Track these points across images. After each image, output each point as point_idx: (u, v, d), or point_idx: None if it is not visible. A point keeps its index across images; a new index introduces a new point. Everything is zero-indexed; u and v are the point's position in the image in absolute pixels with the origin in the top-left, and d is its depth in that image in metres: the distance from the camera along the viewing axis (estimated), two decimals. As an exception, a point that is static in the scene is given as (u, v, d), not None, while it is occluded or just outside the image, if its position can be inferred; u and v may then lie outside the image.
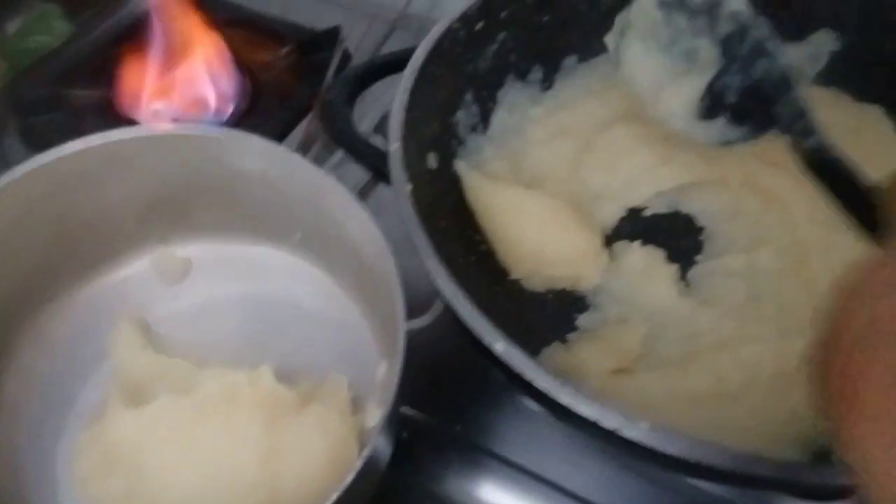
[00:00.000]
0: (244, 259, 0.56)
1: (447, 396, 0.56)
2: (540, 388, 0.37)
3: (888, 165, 0.58)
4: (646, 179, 0.63)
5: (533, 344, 0.52)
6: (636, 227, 0.62)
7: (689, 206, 0.62)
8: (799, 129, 0.49)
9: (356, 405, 0.47)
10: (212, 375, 0.47)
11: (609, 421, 0.35)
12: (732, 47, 0.52)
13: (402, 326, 0.39)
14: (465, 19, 0.57)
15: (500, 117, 0.64)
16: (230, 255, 0.56)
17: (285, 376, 0.47)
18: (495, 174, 0.61)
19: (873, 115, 0.61)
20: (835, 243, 0.55)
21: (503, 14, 0.61)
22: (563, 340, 0.54)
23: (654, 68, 0.55)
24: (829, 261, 0.54)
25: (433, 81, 0.55)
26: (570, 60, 0.67)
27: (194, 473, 0.44)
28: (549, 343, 0.53)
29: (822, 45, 0.64)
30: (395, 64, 0.53)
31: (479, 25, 0.59)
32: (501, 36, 0.62)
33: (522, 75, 0.66)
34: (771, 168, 0.59)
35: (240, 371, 0.47)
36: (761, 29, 0.51)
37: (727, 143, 0.52)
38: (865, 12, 0.61)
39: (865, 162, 0.58)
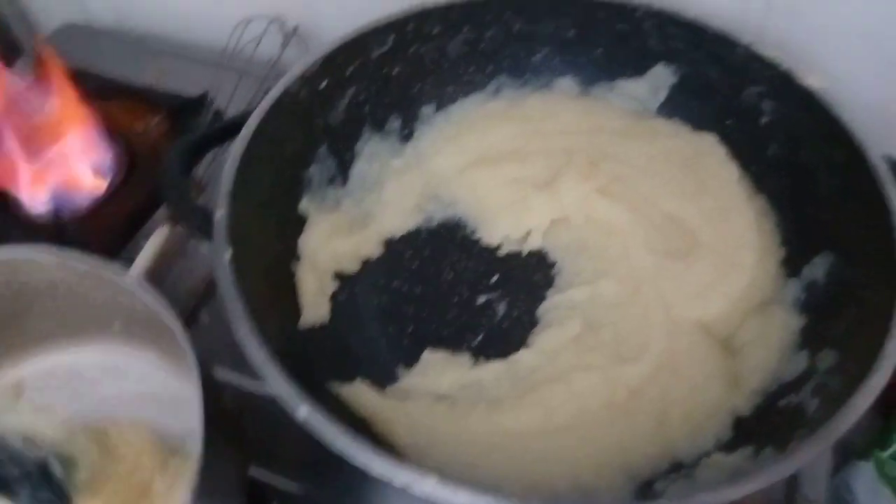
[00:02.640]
0: (75, 360, 0.58)
1: (295, 456, 0.57)
2: (337, 449, 0.38)
3: (723, 185, 0.61)
4: (501, 219, 0.65)
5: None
6: (492, 265, 0.64)
7: (541, 242, 0.64)
8: None
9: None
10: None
11: (399, 479, 0.37)
12: None
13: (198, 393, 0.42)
14: (306, 79, 0.59)
15: (359, 169, 0.66)
16: (61, 362, 0.58)
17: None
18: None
19: (708, 142, 0.64)
20: (665, 270, 0.57)
21: (349, 70, 0.63)
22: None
23: None
24: (660, 287, 0.57)
25: (275, 141, 0.57)
26: (428, 109, 0.70)
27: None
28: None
29: (661, 79, 0.67)
30: (233, 129, 0.55)
31: (324, 84, 0.61)
32: (351, 91, 0.64)
33: (380, 126, 0.68)
34: (609, 201, 0.62)
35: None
36: None
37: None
38: (693, 44, 0.64)
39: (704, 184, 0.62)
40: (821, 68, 0.63)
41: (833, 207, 0.55)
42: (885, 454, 0.57)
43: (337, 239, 0.62)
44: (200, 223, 0.51)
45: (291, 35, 0.87)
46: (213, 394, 0.45)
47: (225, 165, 0.52)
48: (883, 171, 0.51)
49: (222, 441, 0.45)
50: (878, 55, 0.63)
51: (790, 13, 0.63)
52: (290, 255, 0.59)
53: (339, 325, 0.59)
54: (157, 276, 0.62)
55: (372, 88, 0.65)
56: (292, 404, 0.40)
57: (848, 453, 0.61)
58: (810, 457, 0.40)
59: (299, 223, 0.61)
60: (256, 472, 0.56)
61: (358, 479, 0.55)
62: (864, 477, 0.59)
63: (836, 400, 0.43)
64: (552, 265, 0.63)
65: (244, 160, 0.53)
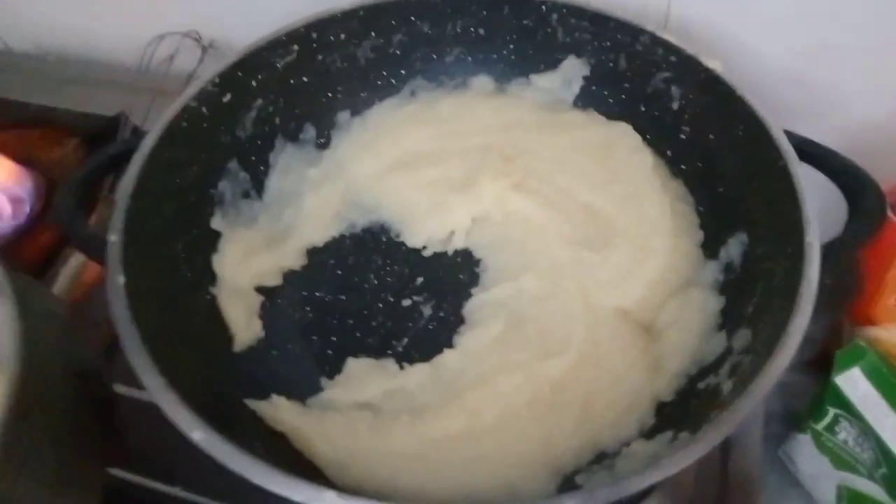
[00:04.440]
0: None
1: (166, 458, 0.55)
2: (234, 470, 0.37)
3: (637, 172, 0.61)
4: (423, 222, 0.64)
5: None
6: (417, 267, 0.63)
7: (465, 241, 0.64)
8: None
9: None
10: None
11: (297, 495, 0.36)
12: None
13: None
14: (206, 96, 0.58)
15: (275, 181, 0.65)
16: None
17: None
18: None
19: (622, 130, 0.64)
20: (583, 260, 0.57)
21: (253, 83, 0.62)
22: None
23: None
24: (580, 278, 0.57)
25: (175, 162, 0.56)
26: (343, 116, 0.69)
27: None
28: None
29: (573, 71, 0.67)
30: (128, 154, 0.53)
31: (227, 98, 0.60)
32: (258, 103, 0.63)
33: (293, 136, 0.66)
34: (525, 196, 0.62)
35: None
36: None
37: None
38: (599, 35, 0.64)
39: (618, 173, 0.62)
40: (723, 49, 0.64)
41: (742, 186, 0.56)
42: (820, 426, 0.58)
43: (256, 256, 0.61)
44: (99, 252, 0.49)
45: (207, 49, 0.85)
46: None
47: (119, 190, 0.50)
48: (785, 145, 0.51)
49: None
50: (778, 31, 0.64)
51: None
52: (205, 278, 0.57)
53: (261, 341, 0.58)
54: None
55: (280, 99, 0.64)
56: (186, 428, 0.39)
57: (792, 424, 0.61)
58: (717, 439, 0.39)
59: (213, 243, 0.59)
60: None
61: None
62: (804, 448, 0.60)
63: (746, 380, 0.43)
64: (477, 263, 0.63)
65: (139, 185, 0.51)
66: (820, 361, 0.58)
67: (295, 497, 0.36)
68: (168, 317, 0.50)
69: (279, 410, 0.50)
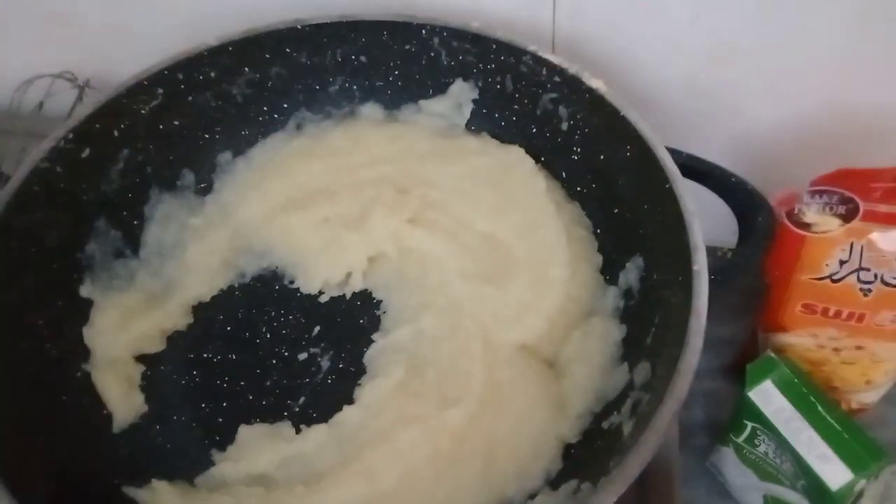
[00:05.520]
0: None
1: None
2: None
3: (533, 197, 0.59)
4: (318, 264, 0.61)
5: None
6: (313, 315, 0.59)
7: (363, 282, 0.60)
8: None
9: None
10: None
11: None
12: None
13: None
14: (59, 154, 0.53)
15: (152, 235, 0.61)
16: None
17: None
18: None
19: (516, 154, 0.62)
20: (482, 295, 0.55)
21: (115, 133, 0.57)
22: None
23: None
24: (479, 314, 0.54)
25: (30, 231, 0.51)
26: (225, 156, 0.65)
27: None
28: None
29: (462, 94, 0.65)
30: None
31: (86, 153, 0.55)
32: (124, 153, 0.58)
33: (169, 185, 0.62)
34: (421, 230, 0.59)
35: None
36: None
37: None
38: (482, 57, 0.61)
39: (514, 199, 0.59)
40: (618, 64, 0.63)
41: (635, 207, 0.54)
42: (740, 439, 0.57)
43: (134, 320, 0.56)
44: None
45: (84, 89, 0.80)
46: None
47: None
48: (669, 166, 0.49)
49: None
50: (674, 42, 0.62)
51: (576, 14, 0.62)
52: (75, 353, 0.53)
53: (144, 416, 0.54)
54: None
55: (151, 146, 0.60)
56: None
57: (716, 434, 0.60)
58: (616, 493, 0.37)
59: (83, 313, 0.55)
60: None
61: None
62: (728, 460, 0.59)
63: (643, 422, 0.41)
64: (378, 305, 0.60)
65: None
66: (741, 366, 0.57)
67: None
68: (28, 404, 0.46)
69: (160, 496, 0.46)
